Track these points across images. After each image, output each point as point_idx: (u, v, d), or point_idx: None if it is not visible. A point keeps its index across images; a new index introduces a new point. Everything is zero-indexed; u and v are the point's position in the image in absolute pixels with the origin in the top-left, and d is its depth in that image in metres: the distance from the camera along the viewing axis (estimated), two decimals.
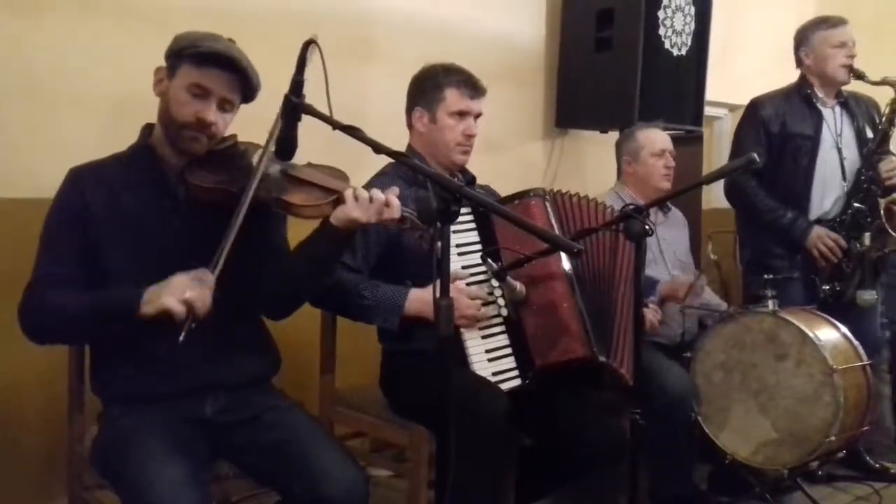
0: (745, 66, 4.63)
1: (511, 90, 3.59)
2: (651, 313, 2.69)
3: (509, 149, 3.65)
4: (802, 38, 3.22)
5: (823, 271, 3.10)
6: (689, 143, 3.78)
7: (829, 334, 2.74)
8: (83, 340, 1.89)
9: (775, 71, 4.82)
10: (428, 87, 2.32)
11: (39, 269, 1.74)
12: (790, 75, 4.82)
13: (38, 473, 2.39)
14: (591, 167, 3.93)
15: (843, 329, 2.81)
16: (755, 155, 1.96)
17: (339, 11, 3.01)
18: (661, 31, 3.54)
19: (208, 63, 1.75)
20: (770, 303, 2.77)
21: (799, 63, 3.25)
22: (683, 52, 3.64)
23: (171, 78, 1.78)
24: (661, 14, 3.52)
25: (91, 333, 1.77)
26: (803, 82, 3.22)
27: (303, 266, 1.89)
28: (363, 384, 2.45)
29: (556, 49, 3.74)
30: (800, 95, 3.20)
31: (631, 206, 2.00)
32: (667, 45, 3.57)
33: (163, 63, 1.82)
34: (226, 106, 1.80)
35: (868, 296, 3.04)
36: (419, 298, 2.11)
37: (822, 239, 3.07)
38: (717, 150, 4.99)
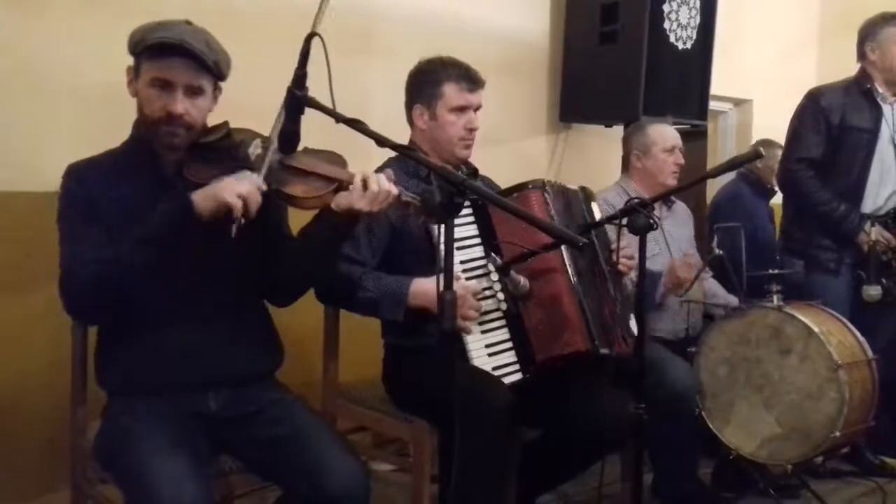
0: (751, 60, 4.62)
1: (515, 84, 3.58)
2: (681, 269, 2.70)
3: (513, 143, 3.64)
4: (869, 33, 3.18)
5: (870, 267, 3.08)
6: (694, 137, 3.77)
7: (834, 329, 2.73)
8: (137, 282, 1.70)
9: (781, 65, 4.83)
10: (426, 83, 2.30)
11: (71, 250, 1.71)
12: (796, 70, 4.83)
13: (40, 466, 2.39)
14: (595, 161, 3.91)
15: (849, 325, 2.80)
16: (761, 149, 1.96)
17: (339, 4, 2.98)
18: (667, 25, 3.52)
19: (162, 54, 1.72)
20: (775, 297, 2.75)
21: (861, 57, 3.21)
22: (688, 45, 3.62)
23: (137, 77, 1.76)
24: (666, 7, 3.50)
25: (150, 258, 1.66)
26: (864, 76, 3.19)
27: (306, 252, 1.88)
28: (366, 378, 2.44)
29: (561, 43, 3.73)
30: (860, 89, 3.17)
31: (636, 200, 1.99)
32: (672, 39, 3.55)
33: None
34: (194, 91, 1.76)
35: (874, 291, 3.04)
36: (422, 291, 2.10)
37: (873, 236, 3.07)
38: (723, 144, 4.98)
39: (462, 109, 2.27)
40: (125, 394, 1.78)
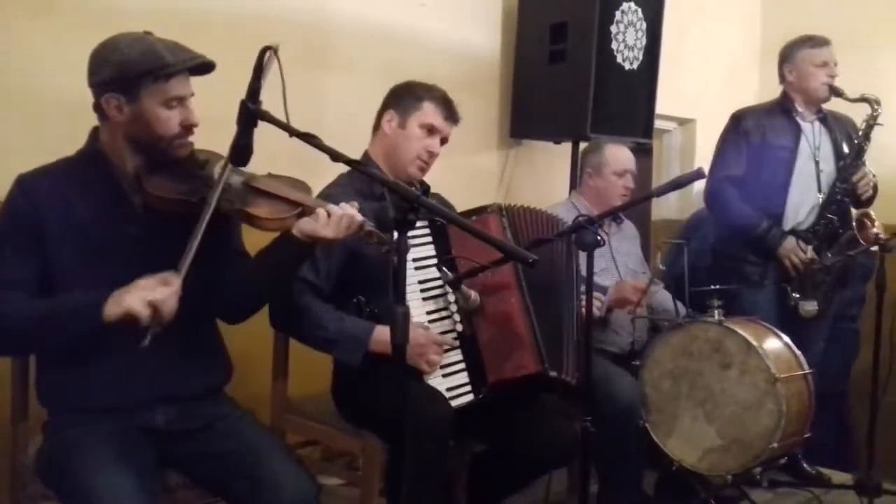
0: (695, 81, 4.74)
1: (466, 100, 3.56)
2: (629, 291, 2.79)
3: (464, 158, 3.66)
4: (787, 56, 3.30)
5: (794, 280, 3.18)
6: (639, 155, 3.84)
7: (772, 344, 2.81)
8: (32, 349, 1.81)
9: (724, 86, 4.96)
10: (408, 95, 2.35)
11: None
12: (738, 91, 4.96)
13: None
14: (545, 177, 3.97)
15: (786, 339, 2.89)
16: (703, 168, 2.03)
17: (295, 19, 2.99)
18: (614, 46, 3.59)
19: (174, 73, 1.72)
20: (716, 312, 2.83)
21: (782, 79, 3.33)
22: (635, 66, 3.70)
23: (133, 101, 1.71)
24: (613, 29, 3.58)
25: (43, 341, 1.69)
26: (785, 98, 3.32)
27: (263, 274, 1.88)
28: (315, 392, 2.43)
29: (511, 61, 3.78)
30: (781, 110, 3.29)
31: (584, 217, 2.04)
32: (619, 60, 3.63)
33: None
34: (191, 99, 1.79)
35: (810, 306, 3.14)
36: (384, 339, 2.05)
37: (794, 250, 3.17)
38: (667, 162, 5.08)
39: (431, 131, 2.32)
40: (68, 413, 1.74)
